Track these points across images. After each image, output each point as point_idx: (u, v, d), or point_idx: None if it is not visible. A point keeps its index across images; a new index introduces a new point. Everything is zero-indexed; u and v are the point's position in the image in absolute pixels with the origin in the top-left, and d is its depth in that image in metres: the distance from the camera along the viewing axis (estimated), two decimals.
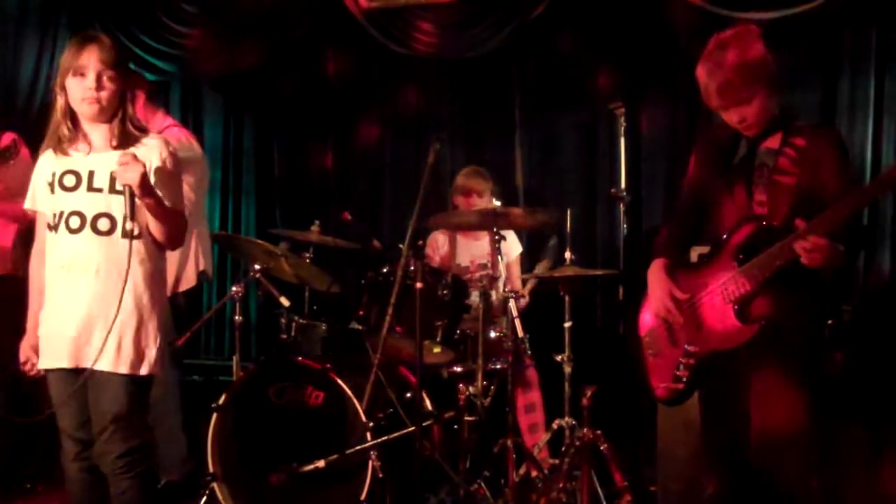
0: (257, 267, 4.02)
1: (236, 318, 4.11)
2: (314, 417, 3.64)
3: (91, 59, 2.69)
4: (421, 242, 3.88)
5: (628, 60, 5.36)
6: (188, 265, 4.27)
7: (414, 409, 3.54)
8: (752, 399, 2.65)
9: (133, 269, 2.73)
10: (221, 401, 3.73)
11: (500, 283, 4.15)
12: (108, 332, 2.69)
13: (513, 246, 4.81)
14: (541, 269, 4.46)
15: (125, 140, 2.75)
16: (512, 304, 3.82)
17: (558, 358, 4.07)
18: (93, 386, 2.74)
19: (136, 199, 2.66)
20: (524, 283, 4.70)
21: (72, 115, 2.77)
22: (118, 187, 2.71)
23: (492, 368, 4.11)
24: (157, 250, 2.85)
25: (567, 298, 4.09)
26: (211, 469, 3.71)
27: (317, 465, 3.51)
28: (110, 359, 2.72)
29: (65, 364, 2.73)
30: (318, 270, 4.19)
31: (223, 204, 6.25)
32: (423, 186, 3.45)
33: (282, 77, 6.03)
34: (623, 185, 4.17)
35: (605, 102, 4.60)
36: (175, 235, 2.84)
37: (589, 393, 3.70)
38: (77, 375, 2.74)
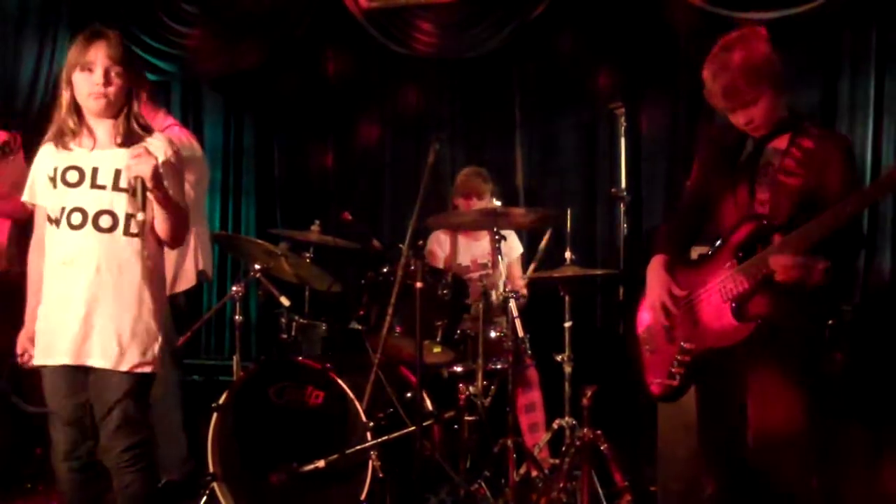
0: (257, 267, 4.02)
1: (236, 317, 4.11)
2: (314, 417, 3.64)
3: (99, 54, 2.69)
4: (421, 242, 3.88)
5: (628, 60, 5.36)
6: (187, 264, 4.26)
7: (414, 408, 3.55)
8: (750, 398, 2.65)
9: (134, 266, 2.75)
10: (222, 400, 3.73)
11: (501, 283, 4.15)
12: (110, 330, 2.71)
13: (513, 246, 4.81)
14: (532, 265, 4.46)
15: (130, 138, 2.75)
16: (512, 303, 3.82)
17: (558, 358, 4.07)
18: (95, 383, 2.75)
19: (147, 193, 2.66)
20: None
21: (77, 110, 2.76)
22: (122, 185, 2.72)
23: (492, 368, 4.11)
24: (157, 248, 2.85)
25: (567, 298, 4.09)
26: (211, 469, 3.71)
27: (317, 464, 3.51)
28: (112, 356, 2.72)
29: (65, 360, 2.73)
30: (319, 270, 4.19)
31: (223, 204, 6.26)
32: (424, 186, 3.45)
33: (282, 77, 6.04)
34: (623, 184, 4.18)
35: (606, 102, 4.60)
36: (178, 232, 2.84)
37: (589, 393, 3.70)
38: (76, 372, 2.74)
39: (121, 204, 2.74)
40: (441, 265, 4.65)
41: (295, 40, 5.80)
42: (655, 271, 2.86)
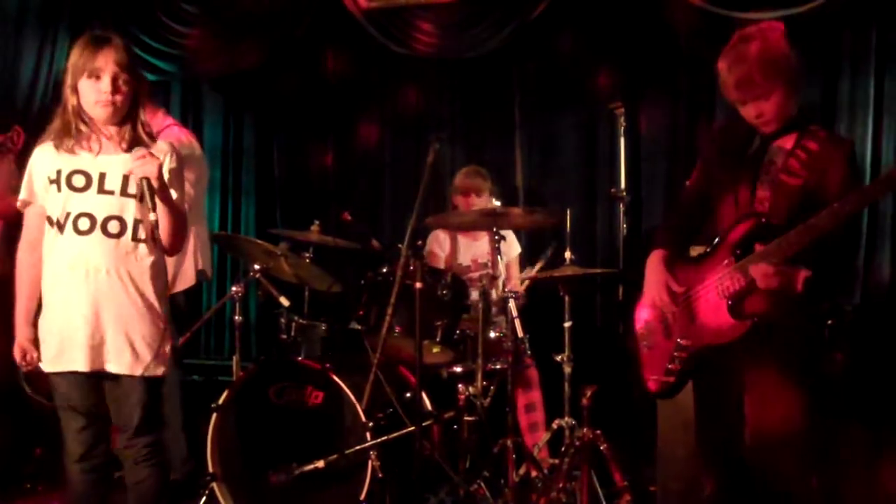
0: (257, 267, 4.02)
1: (236, 318, 4.11)
2: (314, 417, 3.64)
3: (108, 62, 2.68)
4: (420, 242, 3.88)
5: (628, 60, 5.36)
6: (186, 264, 4.26)
7: (413, 409, 3.54)
8: (747, 396, 2.66)
9: (143, 271, 2.78)
10: (221, 401, 3.73)
11: (500, 283, 4.15)
12: (124, 335, 2.74)
13: (512, 246, 4.81)
14: (535, 269, 4.46)
15: (135, 144, 2.75)
16: (512, 303, 3.82)
17: (558, 358, 4.07)
18: (112, 388, 2.79)
19: (154, 193, 2.67)
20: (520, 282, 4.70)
21: (83, 116, 2.76)
22: (130, 190, 2.73)
23: (491, 368, 4.11)
24: (161, 252, 2.87)
25: (567, 298, 4.09)
26: (211, 469, 3.71)
27: (316, 465, 3.51)
28: (128, 362, 2.75)
29: (80, 367, 2.74)
30: (318, 270, 4.19)
31: (223, 204, 6.26)
32: (423, 186, 3.45)
33: (282, 77, 6.04)
34: (623, 184, 4.18)
35: (605, 102, 4.60)
36: (177, 238, 2.84)
37: (589, 393, 3.70)
38: (89, 377, 2.77)
39: (129, 209, 2.76)
40: (441, 265, 4.65)
41: (295, 40, 5.80)
42: (654, 267, 2.86)
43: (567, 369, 4.05)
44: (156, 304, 2.82)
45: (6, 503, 4.16)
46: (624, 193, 4.18)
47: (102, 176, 2.75)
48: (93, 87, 2.70)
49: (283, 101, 6.10)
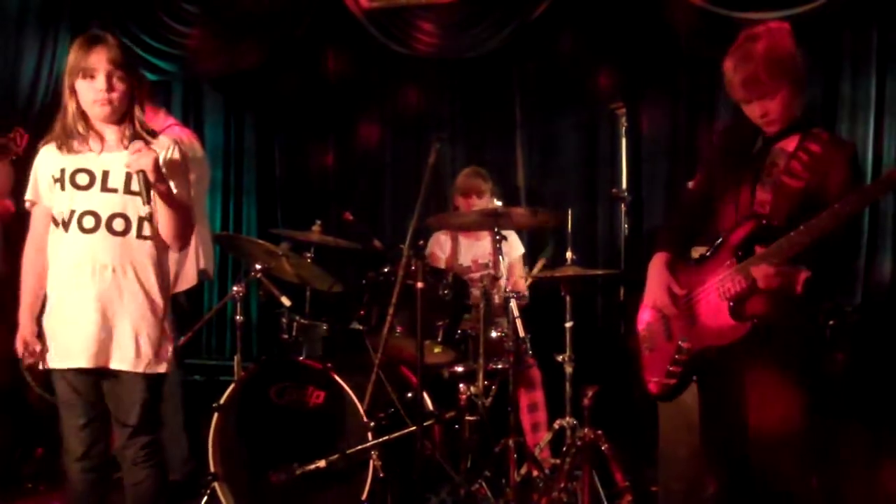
0: (258, 267, 4.02)
1: (237, 317, 4.10)
2: (315, 417, 3.64)
3: (101, 60, 2.70)
4: (422, 242, 3.87)
5: (629, 60, 5.36)
6: (188, 264, 4.26)
7: (415, 408, 3.54)
8: (748, 397, 2.66)
9: (147, 268, 2.79)
10: (223, 400, 3.73)
11: (502, 283, 4.15)
12: (126, 333, 2.75)
13: (514, 246, 4.81)
14: (536, 268, 4.46)
15: (136, 140, 2.75)
16: (513, 304, 3.82)
17: (559, 358, 4.07)
18: (113, 385, 2.80)
19: (150, 186, 2.68)
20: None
21: (83, 116, 2.77)
22: (133, 188, 2.73)
23: (493, 368, 4.11)
24: (165, 250, 2.88)
25: (568, 298, 4.09)
26: (212, 469, 3.71)
27: (318, 464, 3.51)
28: (130, 358, 2.76)
29: (83, 364, 2.75)
30: (320, 270, 4.19)
31: (224, 204, 6.26)
32: (424, 186, 3.45)
33: (283, 77, 6.04)
34: (624, 185, 4.20)
35: (606, 102, 4.61)
36: (183, 232, 2.85)
37: (590, 393, 3.70)
38: (91, 374, 2.77)
39: (133, 207, 2.76)
40: (442, 266, 4.64)
41: (295, 40, 5.80)
42: (656, 270, 2.86)
43: (568, 369, 4.05)
44: (160, 301, 2.83)
45: (6, 503, 4.16)
46: (625, 193, 4.19)
47: (105, 174, 2.77)
48: (89, 86, 2.71)
49: (284, 100, 6.10)
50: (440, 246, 4.78)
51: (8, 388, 4.25)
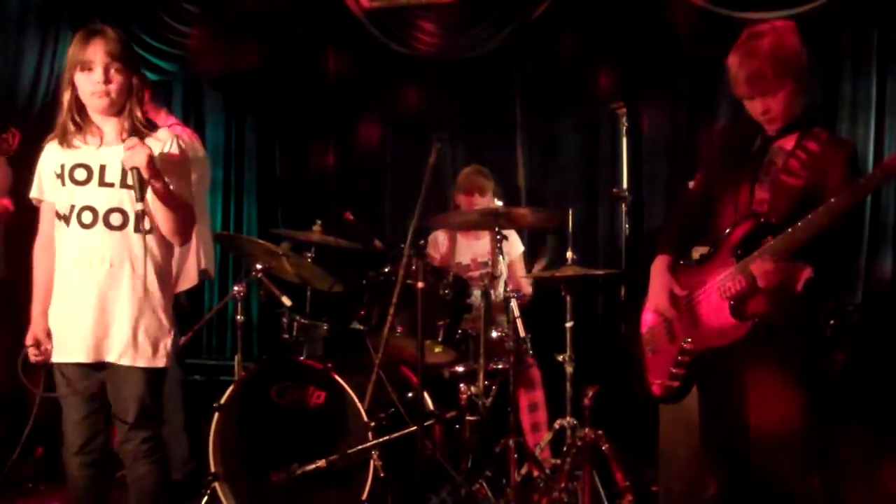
0: (259, 267, 4.02)
1: (238, 317, 4.10)
2: (316, 417, 3.64)
3: (98, 52, 2.71)
4: (423, 242, 3.87)
5: (629, 60, 5.36)
6: (189, 264, 4.27)
7: (415, 408, 3.54)
8: (749, 397, 2.66)
9: (147, 263, 2.78)
10: (223, 400, 3.74)
11: (502, 283, 4.15)
12: (125, 327, 2.75)
13: (514, 245, 4.81)
14: (537, 268, 4.47)
15: (135, 134, 2.76)
16: (514, 303, 3.82)
17: (560, 358, 4.07)
18: (112, 379, 2.80)
19: (145, 183, 2.68)
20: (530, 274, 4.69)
21: (81, 109, 2.78)
22: (129, 182, 2.73)
23: (493, 368, 4.11)
24: (166, 245, 2.88)
25: (569, 298, 4.09)
26: (213, 468, 3.71)
27: (318, 464, 3.51)
28: (129, 353, 2.77)
29: (81, 358, 2.77)
30: (320, 270, 4.19)
31: (225, 203, 6.26)
32: (425, 186, 3.45)
33: (283, 77, 6.04)
34: (625, 184, 4.18)
35: (607, 102, 4.60)
36: (182, 228, 2.85)
37: (591, 393, 3.70)
38: (90, 368, 2.79)
39: (130, 201, 2.77)
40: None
41: (296, 40, 5.79)
42: (657, 273, 2.87)
43: (569, 369, 4.05)
44: (159, 295, 2.83)
45: (6, 503, 4.16)
46: (625, 193, 4.18)
47: (103, 168, 2.78)
48: (87, 78, 2.72)
49: (285, 100, 6.10)
50: (436, 246, 4.78)
51: (8, 389, 4.25)
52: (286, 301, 4.06)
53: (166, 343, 2.84)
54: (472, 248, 4.78)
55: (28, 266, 2.94)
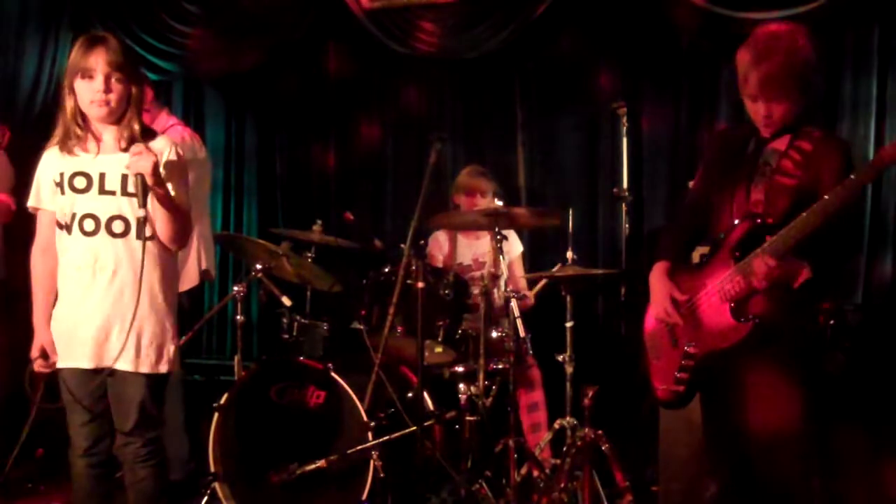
0: (259, 266, 4.02)
1: (238, 317, 4.10)
2: (315, 417, 3.64)
3: (99, 61, 2.72)
4: (423, 242, 3.87)
5: (630, 60, 5.36)
6: (190, 264, 4.27)
7: (415, 408, 3.55)
8: (749, 398, 2.66)
9: (149, 269, 2.79)
10: (223, 400, 3.74)
11: (502, 283, 4.15)
12: (128, 333, 2.76)
13: (514, 245, 4.81)
14: (537, 287, 4.47)
15: (134, 142, 2.77)
16: (514, 303, 3.82)
17: (560, 358, 4.07)
18: (114, 384, 2.82)
19: (148, 189, 2.70)
20: (533, 283, 4.69)
21: (81, 116, 2.79)
22: (130, 189, 2.75)
23: (493, 368, 4.11)
24: (168, 252, 2.90)
25: (569, 298, 4.09)
26: (212, 469, 3.71)
27: (318, 464, 3.51)
28: (131, 358, 2.79)
29: (84, 364, 2.79)
30: (320, 270, 4.19)
31: (225, 203, 6.26)
32: (425, 186, 3.45)
33: (283, 77, 6.04)
34: (625, 184, 4.19)
35: (607, 102, 4.60)
36: (180, 233, 2.87)
37: (590, 393, 3.70)
38: (94, 374, 2.80)
39: (131, 208, 2.78)
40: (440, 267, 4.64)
41: (296, 40, 5.79)
42: (657, 278, 2.87)
43: (569, 369, 4.05)
44: (162, 301, 2.85)
45: (7, 503, 4.16)
46: (626, 193, 4.18)
47: (102, 176, 2.79)
48: (87, 86, 2.73)
49: (285, 100, 6.10)
50: (438, 246, 4.78)
51: (7, 391, 4.25)
52: (286, 301, 4.06)
53: (170, 349, 2.87)
54: (473, 249, 4.78)
55: (26, 270, 2.95)
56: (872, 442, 3.70)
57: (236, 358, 4.12)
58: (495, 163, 5.34)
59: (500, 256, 3.99)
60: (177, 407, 4.11)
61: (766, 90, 2.61)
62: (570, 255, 4.12)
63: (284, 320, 4.12)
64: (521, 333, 3.79)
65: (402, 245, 3.56)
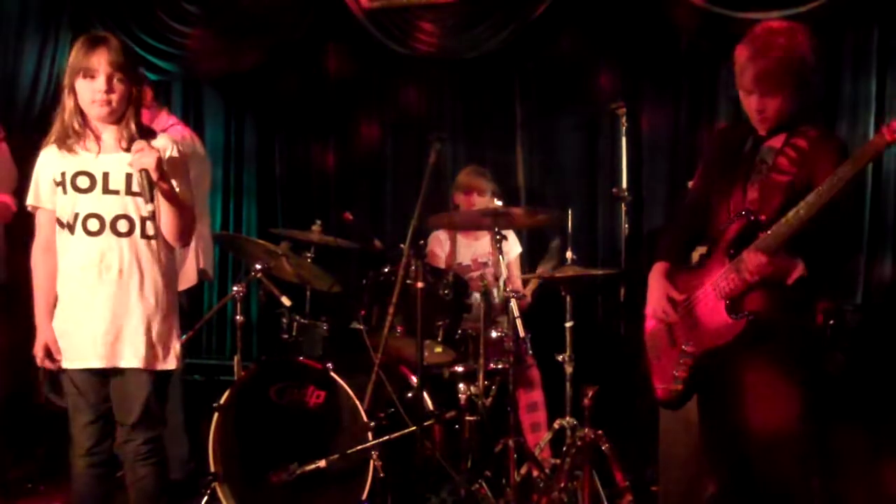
0: (258, 266, 4.02)
1: (237, 317, 4.10)
2: (315, 417, 3.64)
3: (101, 61, 2.72)
4: (422, 242, 3.87)
5: (629, 60, 5.36)
6: (188, 264, 4.26)
7: (415, 408, 3.55)
8: (748, 397, 2.66)
9: (153, 267, 2.83)
10: (223, 400, 3.74)
11: (502, 283, 4.15)
12: (142, 331, 2.79)
13: (513, 245, 4.81)
14: (543, 269, 4.46)
15: (134, 142, 2.78)
16: (513, 303, 3.82)
17: (559, 358, 4.07)
18: (119, 381, 2.83)
19: (153, 185, 2.71)
20: (526, 283, 4.70)
21: (81, 115, 2.80)
22: (134, 188, 2.77)
23: (493, 368, 4.11)
24: (170, 250, 2.92)
25: (568, 298, 4.09)
26: (212, 469, 3.71)
27: (318, 464, 3.51)
28: (139, 356, 2.80)
29: (95, 364, 2.80)
30: (320, 270, 4.19)
31: (224, 203, 6.26)
32: (425, 186, 3.45)
33: (283, 77, 6.03)
34: (624, 184, 4.19)
35: (607, 102, 4.60)
36: (186, 230, 2.89)
37: (590, 393, 3.70)
38: (100, 374, 2.82)
39: (135, 208, 2.80)
40: (442, 265, 4.65)
41: (296, 40, 5.79)
42: (655, 279, 2.88)
43: (568, 369, 4.05)
44: (166, 299, 2.87)
45: (6, 503, 4.16)
46: (625, 193, 4.18)
47: (106, 176, 2.80)
48: (88, 86, 2.74)
49: (285, 100, 6.10)
50: (440, 245, 4.78)
51: (7, 392, 4.25)
52: (286, 301, 4.06)
53: (175, 346, 2.89)
54: (473, 249, 4.78)
55: (28, 270, 2.95)
56: (872, 442, 3.70)
57: (236, 358, 4.12)
58: (495, 163, 5.34)
59: (500, 256, 3.99)
60: (177, 407, 4.11)
61: (760, 84, 2.62)
62: (569, 255, 4.12)
63: (284, 320, 4.12)
64: (521, 333, 3.80)
65: (402, 245, 3.56)
